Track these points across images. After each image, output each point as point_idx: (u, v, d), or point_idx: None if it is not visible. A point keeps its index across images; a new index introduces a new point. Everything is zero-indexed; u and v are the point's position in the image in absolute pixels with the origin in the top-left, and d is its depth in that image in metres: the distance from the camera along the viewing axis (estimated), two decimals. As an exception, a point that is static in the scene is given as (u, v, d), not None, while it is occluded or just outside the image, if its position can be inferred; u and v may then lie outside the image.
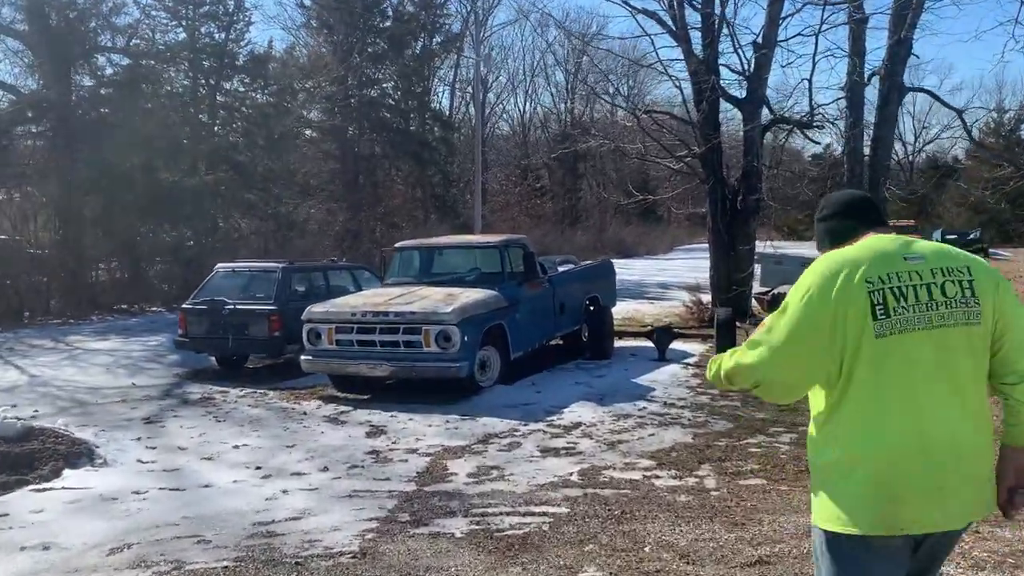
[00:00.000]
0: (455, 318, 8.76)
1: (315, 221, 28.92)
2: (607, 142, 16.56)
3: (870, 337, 2.14)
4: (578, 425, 7.82)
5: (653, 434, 7.46)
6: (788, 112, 15.08)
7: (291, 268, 11.24)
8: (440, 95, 44.79)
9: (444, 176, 36.98)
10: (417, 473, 6.40)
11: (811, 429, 2.34)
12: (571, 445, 7.12)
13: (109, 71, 23.79)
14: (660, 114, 15.52)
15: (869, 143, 15.85)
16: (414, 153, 34.15)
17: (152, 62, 24.76)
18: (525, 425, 7.84)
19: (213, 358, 11.75)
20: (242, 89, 27.33)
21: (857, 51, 15.56)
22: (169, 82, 26.13)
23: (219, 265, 11.90)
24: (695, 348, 12.55)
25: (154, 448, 7.32)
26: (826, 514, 2.23)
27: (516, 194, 44.06)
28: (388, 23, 33.75)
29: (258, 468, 6.61)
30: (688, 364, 11.27)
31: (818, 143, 15.68)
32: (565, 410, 8.42)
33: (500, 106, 54.45)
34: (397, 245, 11.15)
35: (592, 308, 12.11)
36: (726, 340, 10.99)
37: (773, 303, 11.46)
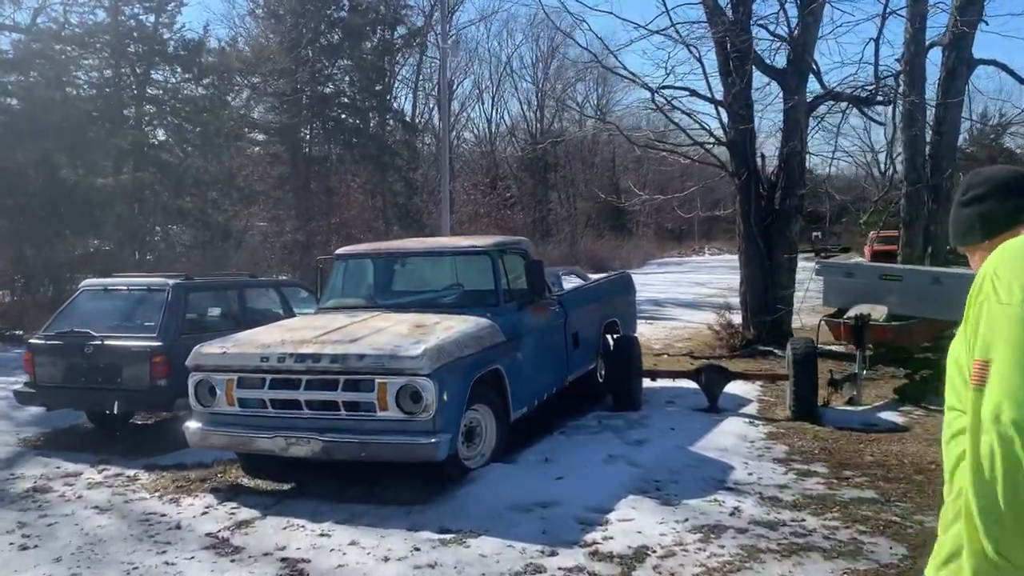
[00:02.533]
0: (428, 364, 5.43)
1: (259, 231, 25.39)
2: (611, 125, 13.39)
3: None
4: (644, 553, 4.52)
5: (785, 577, 4.19)
6: (840, 86, 11.99)
7: (187, 286, 7.81)
8: (402, 100, 41.46)
9: (407, 183, 33.58)
10: None
11: None
12: (649, 611, 3.82)
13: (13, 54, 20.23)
14: (679, 90, 12.38)
15: (932, 126, 12.88)
16: (373, 157, 30.75)
17: (64, 45, 21.20)
18: (552, 554, 4.52)
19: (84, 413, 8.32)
20: (173, 80, 23.78)
21: (918, 13, 12.63)
22: (85, 69, 22.54)
23: (86, 282, 8.39)
24: (747, 390, 9.35)
25: None
26: None
27: (485, 204, 40.80)
28: (344, 13, 30.38)
29: None
30: (754, 418, 8.04)
31: (881, 123, 12.47)
32: (611, 515, 5.11)
33: (465, 114, 51.34)
34: (339, 251, 7.71)
35: (612, 338, 8.88)
36: (806, 383, 7.83)
37: (859, 331, 8.29)
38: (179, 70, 23.32)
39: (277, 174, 28.44)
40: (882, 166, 15.22)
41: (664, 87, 12.33)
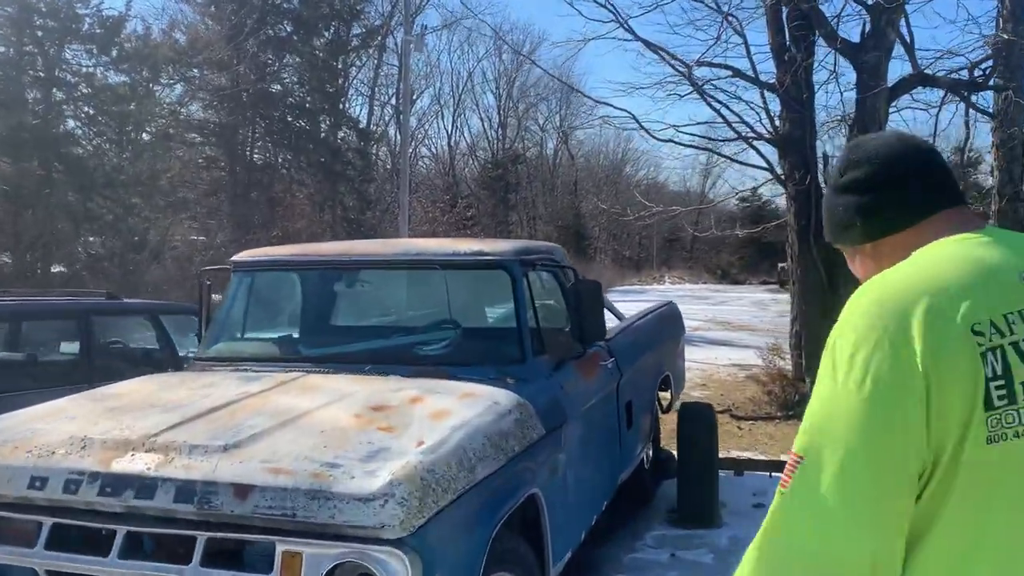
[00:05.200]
0: (400, 515, 2.32)
1: (185, 243, 21.92)
2: (626, 112, 10.53)
3: (976, 439, 1.06)
4: None
5: None
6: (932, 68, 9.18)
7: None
8: (357, 109, 38.05)
9: (360, 196, 30.33)
10: None
11: None
12: None
13: None
14: (718, 68, 9.51)
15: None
16: (323, 165, 27.54)
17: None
18: None
19: None
20: (88, 63, 20.29)
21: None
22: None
23: None
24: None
25: None
26: None
27: (444, 223, 37.67)
28: (294, 4, 27.18)
29: None
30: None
31: (989, 114, 9.63)
32: None
33: (422, 130, 48.27)
34: (239, 258, 4.35)
35: (662, 404, 5.86)
36: None
37: None
38: (95, 50, 19.87)
39: (211, 179, 25.05)
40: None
41: (702, 63, 9.44)
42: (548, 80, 53.15)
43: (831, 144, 11.82)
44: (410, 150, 37.12)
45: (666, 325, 6.33)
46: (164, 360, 5.59)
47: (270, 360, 3.83)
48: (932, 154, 1.32)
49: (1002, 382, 1.06)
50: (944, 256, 1.16)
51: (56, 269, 19.72)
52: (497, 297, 3.94)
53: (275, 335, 4.21)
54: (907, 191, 1.27)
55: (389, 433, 2.73)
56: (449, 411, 2.95)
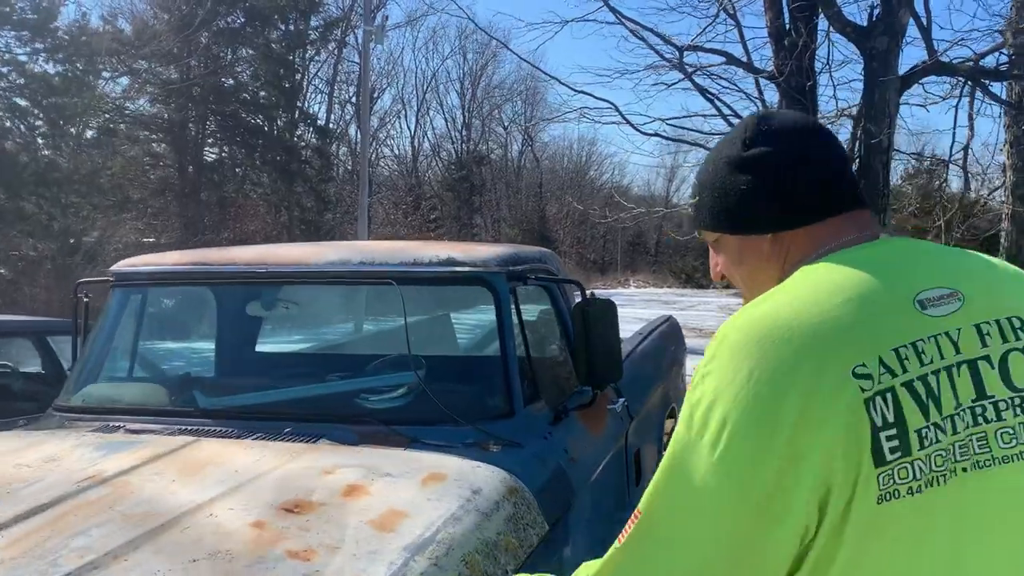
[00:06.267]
0: None
1: (130, 246, 20.49)
2: (610, 104, 9.51)
3: (865, 500, 0.90)
4: None
5: None
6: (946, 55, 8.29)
7: None
8: (316, 108, 36.56)
9: (318, 197, 29.01)
10: None
11: None
12: None
13: None
14: (713, 54, 8.56)
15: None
16: (279, 164, 26.22)
17: None
18: None
19: None
20: (20, 51, 18.81)
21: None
22: None
23: None
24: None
25: None
26: None
27: (407, 224, 36.44)
28: (248, -7, 25.82)
29: None
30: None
31: (1011, 104, 8.71)
32: None
33: (384, 131, 46.98)
34: (122, 267, 3.08)
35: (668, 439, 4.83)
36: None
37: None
38: (27, 37, 18.42)
39: (159, 177, 23.62)
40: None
41: (692, 47, 8.47)
42: (513, 81, 52.56)
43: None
44: (371, 150, 35.86)
45: (670, 346, 5.28)
46: (50, 393, 4.43)
47: (155, 413, 2.70)
48: (840, 146, 1.15)
49: (893, 431, 0.90)
50: (828, 281, 0.99)
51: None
52: (474, 323, 2.85)
53: (166, 376, 3.09)
54: (825, 176, 1.09)
55: (305, 564, 1.65)
56: (404, 513, 1.87)
